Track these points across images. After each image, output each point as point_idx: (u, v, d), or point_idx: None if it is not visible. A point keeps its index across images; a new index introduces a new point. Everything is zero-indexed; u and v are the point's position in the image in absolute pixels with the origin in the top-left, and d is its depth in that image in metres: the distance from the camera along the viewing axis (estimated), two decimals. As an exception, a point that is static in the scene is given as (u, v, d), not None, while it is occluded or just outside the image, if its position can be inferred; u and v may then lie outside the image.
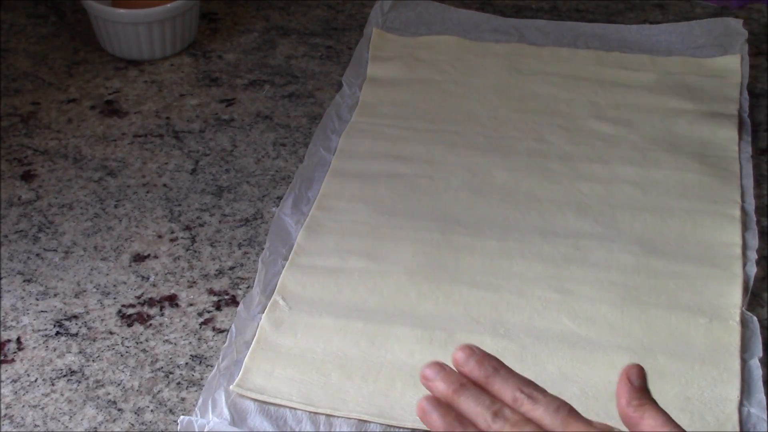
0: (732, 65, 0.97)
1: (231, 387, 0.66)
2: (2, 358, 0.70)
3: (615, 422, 0.64)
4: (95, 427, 0.65)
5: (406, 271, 0.75)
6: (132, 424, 0.65)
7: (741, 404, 0.64)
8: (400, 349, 0.69)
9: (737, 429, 0.63)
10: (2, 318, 0.73)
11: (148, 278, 0.76)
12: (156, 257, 0.78)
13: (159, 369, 0.69)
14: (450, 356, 0.67)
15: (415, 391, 0.66)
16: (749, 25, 1.03)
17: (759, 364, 0.67)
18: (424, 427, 0.63)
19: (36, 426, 0.65)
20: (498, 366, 0.52)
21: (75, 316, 0.73)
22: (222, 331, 0.72)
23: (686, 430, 0.62)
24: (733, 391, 0.65)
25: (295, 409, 0.65)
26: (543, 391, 0.50)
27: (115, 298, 0.75)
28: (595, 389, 0.66)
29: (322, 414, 0.65)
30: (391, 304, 0.72)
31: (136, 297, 0.75)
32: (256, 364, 0.68)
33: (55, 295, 0.75)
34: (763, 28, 1.05)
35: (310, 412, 0.65)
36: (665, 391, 0.65)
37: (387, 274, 0.74)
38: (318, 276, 0.75)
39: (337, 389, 0.66)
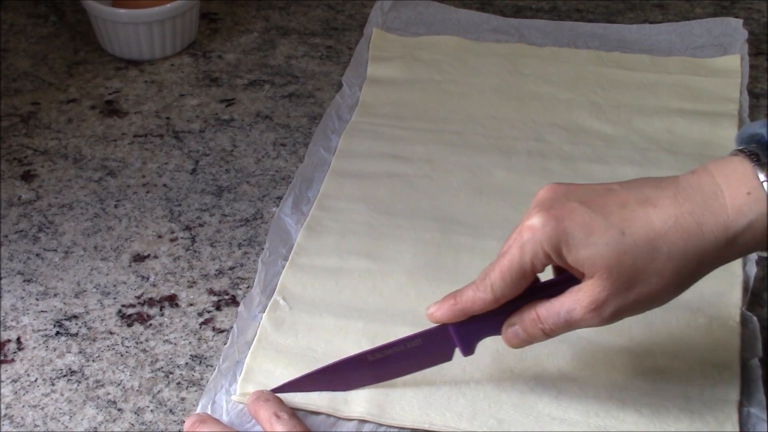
0: (732, 65, 0.97)
1: (233, 397, 0.66)
2: (2, 358, 0.70)
3: (616, 422, 0.64)
4: (95, 427, 0.65)
5: (406, 271, 0.75)
6: (132, 424, 0.65)
7: (741, 404, 0.64)
8: (400, 349, 0.69)
9: (737, 429, 0.63)
10: (2, 318, 0.73)
11: (148, 278, 0.76)
12: (156, 257, 0.78)
13: (159, 369, 0.69)
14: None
15: (416, 391, 0.66)
16: (749, 25, 1.03)
17: (759, 364, 0.67)
18: (426, 427, 0.64)
19: (36, 426, 0.65)
20: None
21: (75, 316, 0.73)
22: (222, 331, 0.72)
23: (686, 429, 0.63)
24: (733, 391, 0.65)
25: (296, 409, 0.65)
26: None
27: (115, 298, 0.75)
28: (596, 389, 0.66)
29: (324, 414, 0.65)
30: (392, 304, 0.72)
31: (136, 297, 0.75)
32: (257, 364, 0.68)
33: (55, 295, 0.75)
34: (763, 28, 1.05)
35: (311, 412, 0.65)
36: (665, 391, 0.65)
37: (387, 274, 0.74)
38: (318, 276, 0.75)
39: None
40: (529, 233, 0.58)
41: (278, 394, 0.65)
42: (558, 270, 0.61)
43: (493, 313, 0.61)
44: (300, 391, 0.66)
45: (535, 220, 0.58)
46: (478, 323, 0.62)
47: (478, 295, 0.60)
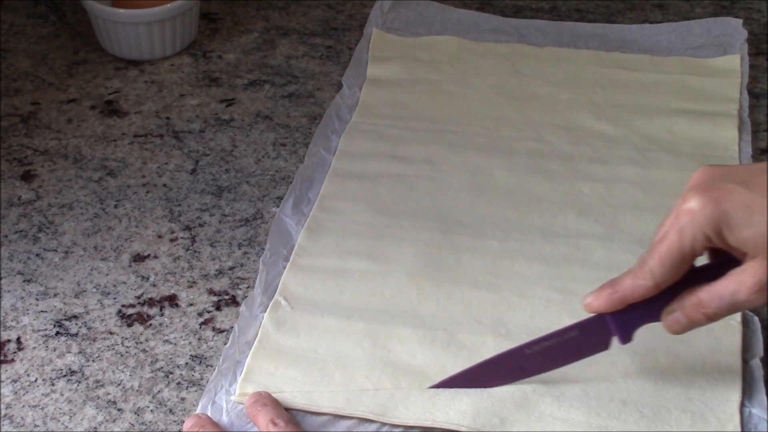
0: (732, 65, 0.97)
1: (233, 398, 0.66)
2: (2, 358, 0.70)
3: (617, 422, 0.64)
4: (95, 427, 0.65)
5: (407, 272, 0.75)
6: (132, 424, 0.65)
7: (742, 404, 0.64)
8: (402, 350, 0.69)
9: (739, 429, 0.63)
10: (2, 318, 0.73)
11: (148, 278, 0.76)
12: (156, 257, 0.78)
13: (159, 369, 0.69)
14: (450, 357, 0.67)
15: (419, 391, 0.66)
16: (749, 25, 1.03)
17: (760, 364, 0.67)
18: (428, 425, 0.64)
19: (36, 426, 0.65)
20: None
21: (75, 316, 0.73)
22: (222, 331, 0.72)
23: (688, 430, 0.63)
24: (734, 391, 0.65)
25: (297, 409, 0.65)
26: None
27: (115, 298, 0.75)
28: (597, 389, 0.65)
29: (325, 414, 0.65)
30: (393, 304, 0.72)
31: (136, 297, 0.75)
32: (258, 364, 0.68)
33: (55, 295, 0.75)
34: (763, 28, 1.05)
35: (312, 413, 0.65)
36: (666, 391, 0.65)
37: (388, 275, 0.74)
38: (319, 276, 0.75)
39: (340, 389, 0.66)
40: (687, 216, 0.58)
41: (279, 396, 0.65)
42: (713, 254, 0.61)
43: (651, 300, 0.61)
44: (453, 387, 0.66)
45: (694, 203, 0.58)
46: (636, 311, 0.62)
47: (638, 283, 0.60)
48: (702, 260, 0.61)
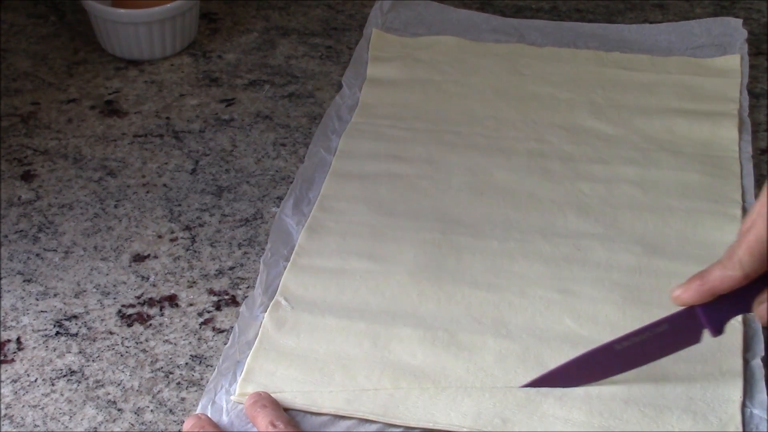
0: (732, 65, 0.97)
1: (232, 397, 0.66)
2: (2, 358, 0.70)
3: (619, 422, 0.64)
4: (95, 427, 0.65)
5: (407, 272, 0.75)
6: (132, 424, 0.65)
7: (743, 405, 0.64)
8: (402, 350, 0.69)
9: (740, 429, 0.63)
10: (2, 318, 0.73)
11: (148, 278, 0.76)
12: (156, 257, 0.78)
13: (159, 369, 0.69)
14: (451, 358, 0.67)
15: (420, 392, 0.66)
16: (749, 25, 1.03)
17: (761, 364, 0.67)
18: (430, 426, 0.64)
19: (36, 426, 0.65)
20: None
21: (75, 316, 0.73)
22: (222, 331, 0.72)
23: (690, 430, 0.62)
24: (735, 391, 0.65)
25: (297, 410, 0.65)
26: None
27: (115, 298, 0.74)
28: (598, 389, 0.65)
29: (325, 414, 0.65)
30: (393, 304, 0.72)
31: (136, 297, 0.75)
32: (258, 364, 0.68)
33: (55, 295, 0.75)
34: (763, 28, 1.05)
35: (312, 413, 0.65)
36: (668, 391, 0.65)
37: (389, 275, 0.74)
38: (320, 277, 0.74)
39: (340, 389, 0.66)
40: None
41: (279, 396, 0.65)
42: None
43: (741, 291, 0.60)
44: (551, 386, 0.66)
45: None
46: (726, 302, 0.61)
47: (727, 274, 0.59)
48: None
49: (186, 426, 0.63)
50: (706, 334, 0.64)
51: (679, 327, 0.63)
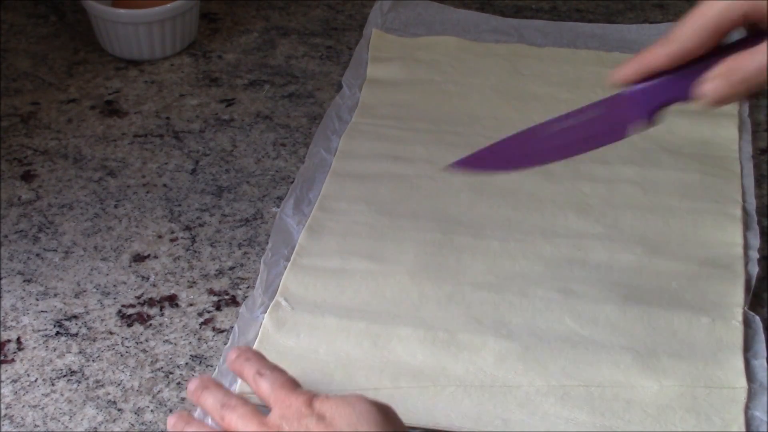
0: (732, 65, 0.97)
1: (235, 388, 0.66)
2: (2, 358, 0.70)
3: (622, 422, 0.64)
4: (95, 427, 0.65)
5: (408, 272, 0.75)
6: (132, 424, 0.65)
7: (746, 406, 0.64)
8: (403, 350, 0.69)
9: (743, 429, 0.63)
10: (2, 318, 0.73)
11: (148, 278, 0.76)
12: (156, 257, 0.78)
13: (159, 369, 0.69)
14: (451, 358, 0.67)
15: (420, 391, 0.66)
16: (749, 26, 1.03)
17: (763, 365, 0.67)
18: (431, 427, 0.64)
19: (36, 426, 0.65)
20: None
21: (75, 316, 0.73)
22: (222, 331, 0.72)
23: (693, 430, 0.62)
24: (739, 392, 0.65)
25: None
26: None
27: (115, 298, 0.74)
28: (600, 389, 0.65)
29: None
30: (394, 304, 0.72)
31: (136, 297, 0.75)
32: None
33: (55, 295, 0.75)
34: (764, 28, 1.04)
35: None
36: (671, 391, 0.65)
37: (389, 275, 0.74)
38: (320, 277, 0.74)
39: (340, 390, 0.66)
40: None
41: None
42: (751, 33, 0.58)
43: (678, 76, 0.58)
44: (475, 170, 0.65)
45: None
46: (659, 86, 0.59)
47: (660, 50, 0.58)
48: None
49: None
50: (636, 126, 0.61)
51: (608, 113, 0.61)
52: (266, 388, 0.61)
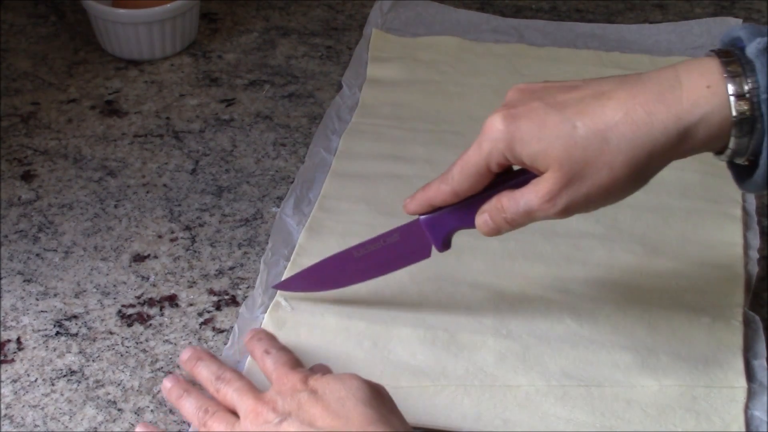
0: (732, 65, 0.97)
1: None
2: (2, 358, 0.70)
3: (622, 422, 0.64)
4: (95, 427, 0.65)
5: (407, 272, 0.74)
6: (132, 424, 0.65)
7: (746, 406, 0.64)
8: (403, 350, 0.69)
9: (743, 429, 0.63)
10: (2, 318, 0.73)
11: (148, 278, 0.76)
12: (156, 257, 0.78)
13: (159, 369, 0.69)
14: (451, 357, 0.67)
15: (420, 391, 0.66)
16: (749, 26, 1.03)
17: (763, 365, 0.67)
18: (430, 427, 0.64)
19: (36, 426, 0.65)
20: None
21: (75, 316, 0.73)
22: (222, 331, 0.72)
23: (693, 430, 0.62)
24: (738, 392, 0.65)
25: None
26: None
27: (115, 298, 0.74)
28: (600, 389, 0.65)
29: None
30: (394, 304, 0.72)
31: (136, 297, 0.75)
32: (258, 364, 0.68)
33: (55, 295, 0.75)
34: (763, 28, 1.04)
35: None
36: (671, 391, 0.65)
37: (389, 276, 0.74)
38: (320, 277, 0.75)
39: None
40: (488, 132, 0.60)
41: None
42: None
43: (463, 206, 0.63)
44: (296, 290, 0.71)
45: (495, 120, 0.60)
46: (447, 216, 0.65)
47: (441, 187, 0.63)
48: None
49: (183, 357, 0.67)
50: (435, 250, 0.66)
51: (409, 238, 0.66)
52: (270, 365, 0.64)
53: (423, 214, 0.66)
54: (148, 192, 0.85)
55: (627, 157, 0.57)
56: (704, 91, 0.55)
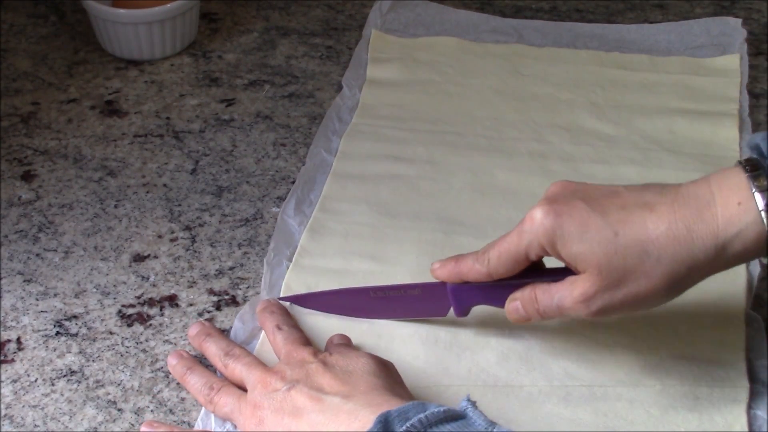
0: (731, 65, 0.97)
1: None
2: (2, 358, 0.70)
3: (625, 423, 0.64)
4: (95, 427, 0.65)
5: (409, 272, 0.75)
6: (132, 424, 0.65)
7: (749, 405, 0.64)
8: (405, 350, 0.68)
9: (746, 429, 0.62)
10: (2, 318, 0.73)
11: (148, 278, 0.76)
12: (156, 257, 0.78)
13: (159, 369, 0.69)
14: (453, 358, 0.67)
15: (422, 391, 0.65)
16: (749, 25, 1.03)
17: (765, 364, 0.67)
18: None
19: (36, 426, 0.65)
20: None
21: (75, 316, 0.73)
22: (222, 332, 0.71)
23: (695, 430, 0.62)
24: (741, 392, 0.65)
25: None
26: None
27: (115, 298, 0.74)
28: (603, 389, 0.65)
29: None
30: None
31: (136, 297, 0.74)
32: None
33: (55, 295, 0.75)
34: (763, 28, 1.05)
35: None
36: (673, 392, 0.65)
37: (390, 276, 0.74)
38: (322, 277, 0.74)
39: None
40: (529, 223, 0.61)
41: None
42: None
43: (493, 285, 0.64)
44: (305, 306, 0.71)
45: (537, 212, 0.61)
46: (475, 290, 0.65)
47: (475, 266, 0.64)
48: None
49: (192, 332, 0.69)
50: (452, 312, 0.67)
51: (430, 296, 0.68)
52: (281, 340, 0.66)
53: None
54: (148, 192, 0.85)
55: (666, 271, 0.58)
56: (736, 209, 0.57)
